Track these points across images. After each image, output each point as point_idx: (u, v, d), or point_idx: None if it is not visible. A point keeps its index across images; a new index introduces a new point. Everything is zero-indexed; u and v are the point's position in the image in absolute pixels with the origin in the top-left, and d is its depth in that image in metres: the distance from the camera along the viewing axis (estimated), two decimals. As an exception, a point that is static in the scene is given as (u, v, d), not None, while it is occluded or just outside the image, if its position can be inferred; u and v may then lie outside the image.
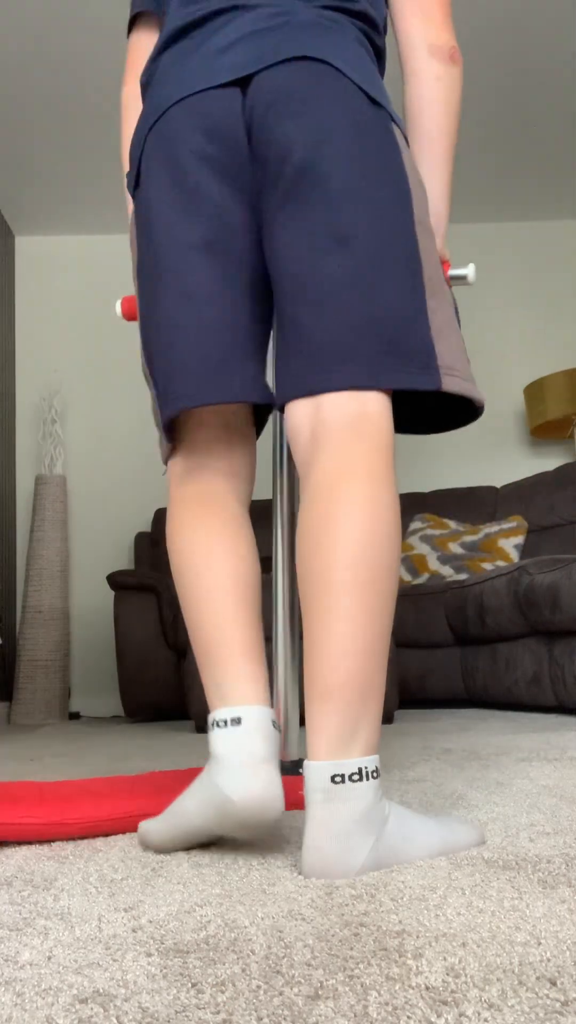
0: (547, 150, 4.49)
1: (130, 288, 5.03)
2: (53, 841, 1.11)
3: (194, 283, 1.09)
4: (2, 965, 0.66)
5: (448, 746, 2.04)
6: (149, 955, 0.67)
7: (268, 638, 2.93)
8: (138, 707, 3.84)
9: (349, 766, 0.87)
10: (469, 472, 4.92)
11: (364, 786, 0.87)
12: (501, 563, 3.98)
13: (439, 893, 0.80)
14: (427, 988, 0.57)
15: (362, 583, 0.93)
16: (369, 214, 1.03)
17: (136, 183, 1.16)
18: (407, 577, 4.07)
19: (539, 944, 0.65)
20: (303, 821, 0.90)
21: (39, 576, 4.50)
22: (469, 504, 4.46)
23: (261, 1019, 0.54)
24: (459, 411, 1.12)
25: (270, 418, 1.75)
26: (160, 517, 4.55)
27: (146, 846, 1.03)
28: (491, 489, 4.54)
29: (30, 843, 1.11)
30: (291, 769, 1.41)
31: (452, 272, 1.38)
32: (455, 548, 4.12)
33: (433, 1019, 0.53)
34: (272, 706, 1.13)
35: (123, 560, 4.80)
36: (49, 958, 0.67)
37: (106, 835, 1.12)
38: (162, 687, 3.78)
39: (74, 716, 4.56)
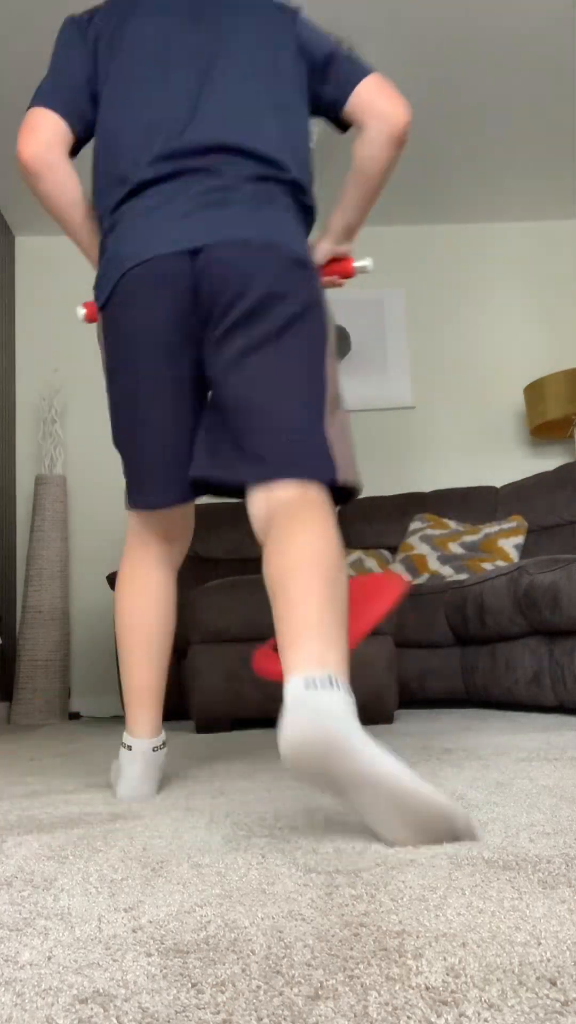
0: (548, 150, 4.49)
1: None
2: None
3: (155, 414, 1.43)
4: (2, 965, 0.66)
5: (448, 746, 2.04)
6: (149, 955, 0.67)
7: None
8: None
9: (320, 674, 1.05)
10: (469, 472, 4.93)
11: (334, 692, 1.02)
12: (501, 563, 3.98)
13: (439, 893, 0.80)
14: (427, 988, 0.57)
15: (323, 568, 1.19)
16: (298, 359, 1.35)
17: (106, 304, 1.44)
18: (407, 577, 4.07)
19: (539, 944, 0.65)
20: (299, 820, 0.90)
21: (39, 576, 4.50)
22: (469, 504, 4.46)
23: (261, 1019, 0.54)
24: (344, 492, 1.41)
25: None
26: (160, 517, 4.54)
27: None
28: (491, 489, 4.54)
29: (31, 842, 1.11)
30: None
31: (356, 264, 1.69)
32: (455, 548, 4.12)
33: (433, 1019, 0.53)
34: (158, 734, 1.53)
35: (123, 560, 4.80)
36: (49, 958, 0.67)
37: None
38: (162, 687, 3.78)
39: (74, 716, 4.56)
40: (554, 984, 0.57)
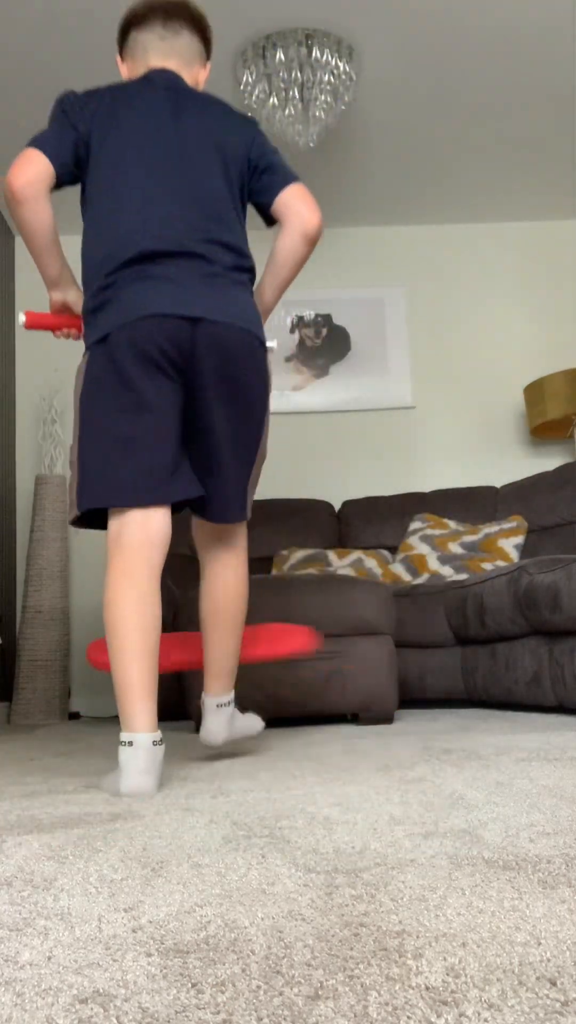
0: (547, 150, 4.49)
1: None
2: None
3: (154, 432, 1.70)
4: (2, 965, 0.66)
5: (448, 746, 2.04)
6: (149, 955, 0.67)
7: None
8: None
9: (224, 700, 1.99)
10: (469, 472, 4.93)
11: (228, 707, 1.99)
12: (501, 563, 3.98)
13: (439, 893, 0.80)
14: (427, 988, 0.57)
15: (243, 612, 1.97)
16: (261, 432, 1.86)
17: (105, 338, 1.71)
18: (407, 577, 4.07)
19: (539, 944, 0.65)
20: (299, 820, 0.90)
21: (39, 576, 4.50)
22: (469, 504, 4.46)
23: (261, 1019, 0.54)
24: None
25: None
26: (160, 517, 4.54)
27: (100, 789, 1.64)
28: (491, 489, 4.54)
29: (31, 842, 1.11)
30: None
31: (267, 344, 1.97)
32: (455, 548, 4.12)
33: (433, 1019, 0.53)
34: (156, 729, 1.62)
35: (123, 560, 4.80)
36: (49, 958, 0.67)
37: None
38: (161, 687, 3.78)
39: (74, 716, 4.56)
40: (554, 984, 0.57)
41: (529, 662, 3.00)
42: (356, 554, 4.26)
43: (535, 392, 4.60)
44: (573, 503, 4.09)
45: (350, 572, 4.13)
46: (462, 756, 1.83)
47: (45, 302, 5.04)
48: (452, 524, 4.29)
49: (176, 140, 1.82)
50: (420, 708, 3.72)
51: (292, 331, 5.06)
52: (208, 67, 2.03)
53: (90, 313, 1.78)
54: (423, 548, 4.16)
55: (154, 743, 1.58)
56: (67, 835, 1.15)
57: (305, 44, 3.56)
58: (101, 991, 0.60)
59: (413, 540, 4.24)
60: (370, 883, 0.84)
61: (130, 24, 1.96)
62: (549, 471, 4.33)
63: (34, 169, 1.71)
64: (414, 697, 3.68)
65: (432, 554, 4.11)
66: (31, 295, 5.07)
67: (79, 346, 5.00)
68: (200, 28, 1.98)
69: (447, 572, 4.01)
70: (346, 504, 4.65)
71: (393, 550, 4.43)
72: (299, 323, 5.07)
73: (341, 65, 3.61)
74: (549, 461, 4.92)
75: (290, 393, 4.98)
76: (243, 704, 2.88)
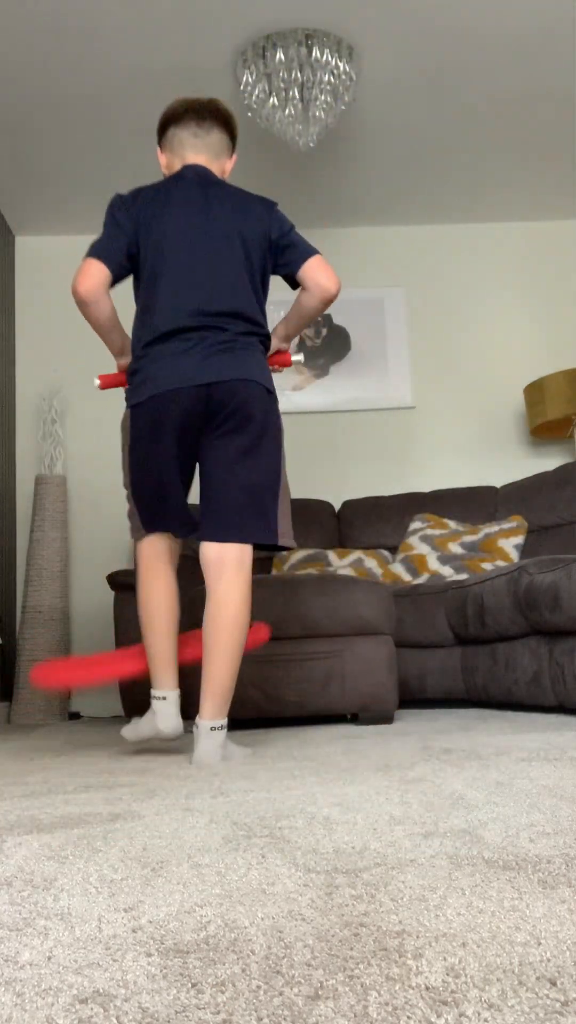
0: (547, 150, 4.49)
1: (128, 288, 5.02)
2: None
3: (167, 481, 2.17)
4: (2, 965, 0.66)
5: (448, 746, 2.04)
6: (149, 955, 0.67)
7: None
8: (138, 707, 3.84)
9: (217, 724, 2.06)
10: (469, 472, 4.93)
11: (221, 732, 2.06)
12: (501, 563, 3.98)
13: (439, 893, 0.80)
14: (427, 988, 0.57)
15: (236, 638, 2.10)
16: (265, 460, 2.15)
17: (138, 405, 2.15)
18: (407, 577, 4.07)
19: (539, 944, 0.65)
20: (299, 820, 0.89)
21: (39, 576, 4.50)
22: (469, 504, 4.46)
23: (261, 1019, 0.54)
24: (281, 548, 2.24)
25: None
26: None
27: (126, 739, 2.29)
28: (491, 489, 4.54)
29: (31, 842, 1.11)
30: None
31: (292, 357, 2.41)
32: (455, 548, 4.12)
33: (433, 1019, 0.53)
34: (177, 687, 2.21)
35: (123, 560, 4.81)
36: (49, 958, 0.67)
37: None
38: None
39: (74, 716, 4.56)
40: (554, 984, 0.57)
41: (529, 662, 3.00)
42: (356, 554, 4.26)
43: (535, 392, 4.60)
44: (573, 503, 4.09)
45: (350, 572, 4.13)
46: (462, 756, 1.83)
47: (45, 302, 5.05)
48: (452, 524, 4.29)
49: (205, 231, 2.18)
50: (420, 708, 3.72)
51: (292, 331, 5.06)
52: (234, 158, 2.38)
53: (130, 375, 2.20)
54: (423, 548, 4.16)
55: (178, 698, 2.20)
56: (67, 835, 1.15)
57: (305, 44, 3.56)
58: (101, 991, 0.60)
59: (413, 540, 4.23)
60: (370, 883, 0.84)
61: (169, 121, 2.31)
62: (549, 471, 4.33)
63: (94, 278, 2.13)
64: (414, 697, 3.68)
65: (432, 554, 4.11)
66: (31, 295, 5.07)
67: (79, 347, 5.01)
68: (228, 126, 2.33)
69: (447, 572, 4.01)
70: (346, 504, 4.65)
71: (393, 550, 4.43)
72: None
73: (341, 65, 3.61)
74: (549, 461, 4.92)
75: (290, 393, 4.98)
76: (243, 704, 2.88)
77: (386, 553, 4.33)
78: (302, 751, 2.12)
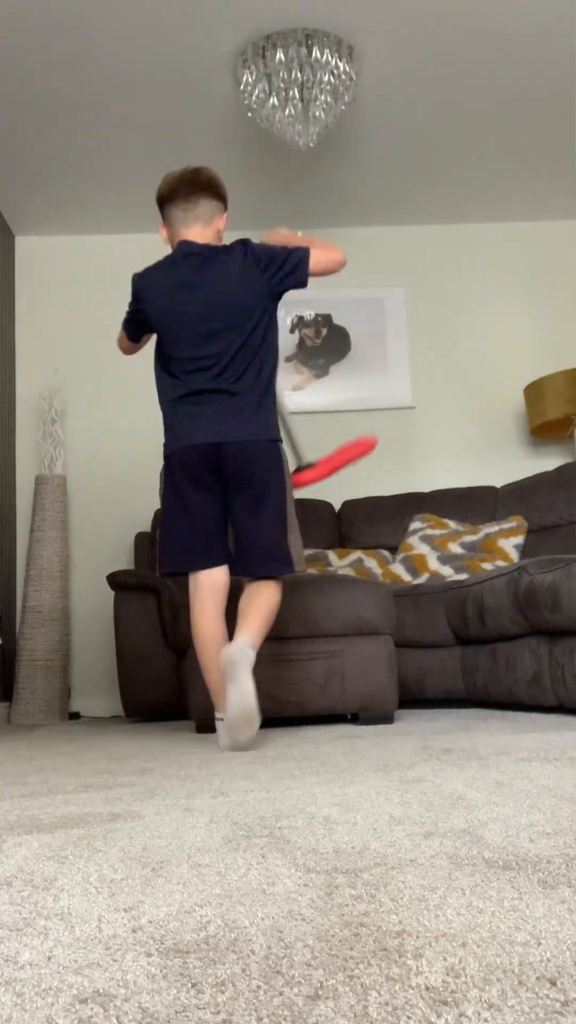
0: (547, 150, 4.49)
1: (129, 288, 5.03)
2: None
3: (196, 520, 2.52)
4: (2, 965, 0.66)
5: (448, 746, 2.04)
6: (149, 955, 0.67)
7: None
8: (138, 707, 3.84)
9: (250, 643, 2.31)
10: (469, 472, 4.93)
11: (252, 651, 2.30)
12: (501, 563, 3.98)
13: (439, 893, 0.80)
14: (427, 988, 0.57)
15: (271, 604, 2.47)
16: (271, 511, 2.49)
17: (169, 456, 2.54)
18: (407, 577, 4.07)
19: (539, 944, 0.65)
20: (299, 820, 0.89)
21: (39, 576, 4.50)
22: (469, 504, 4.46)
23: (261, 1019, 0.54)
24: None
25: None
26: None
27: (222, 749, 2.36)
28: (491, 489, 4.54)
29: (31, 842, 1.11)
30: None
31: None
32: (455, 548, 4.12)
33: (433, 1019, 0.53)
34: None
35: (123, 560, 4.81)
36: (49, 958, 0.67)
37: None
38: (162, 687, 3.78)
39: (74, 716, 4.56)
40: (554, 984, 0.57)
41: (529, 662, 3.00)
42: (356, 554, 4.26)
43: (535, 392, 4.60)
44: (573, 503, 4.09)
45: (350, 572, 4.13)
46: (462, 756, 1.83)
47: (46, 302, 5.05)
48: (452, 524, 4.28)
49: (202, 307, 2.48)
50: (420, 708, 3.72)
51: (292, 331, 5.06)
52: (226, 215, 2.62)
53: (165, 426, 2.57)
54: (423, 548, 4.16)
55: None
56: (67, 835, 1.15)
57: (305, 44, 3.56)
58: (101, 991, 0.60)
59: (413, 540, 4.23)
60: (370, 883, 0.84)
61: (162, 201, 2.59)
62: (549, 471, 4.33)
63: (122, 344, 2.78)
64: (414, 697, 3.68)
65: (432, 554, 4.11)
66: (31, 295, 5.07)
67: (79, 347, 5.02)
68: (215, 191, 2.58)
69: (447, 572, 4.01)
70: (346, 504, 4.65)
71: (393, 550, 4.42)
72: (299, 323, 5.07)
73: (341, 65, 3.61)
74: (549, 461, 4.92)
75: (290, 393, 4.98)
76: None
77: (386, 553, 4.33)
78: (302, 751, 2.12)
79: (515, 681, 3.09)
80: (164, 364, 2.56)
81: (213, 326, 2.47)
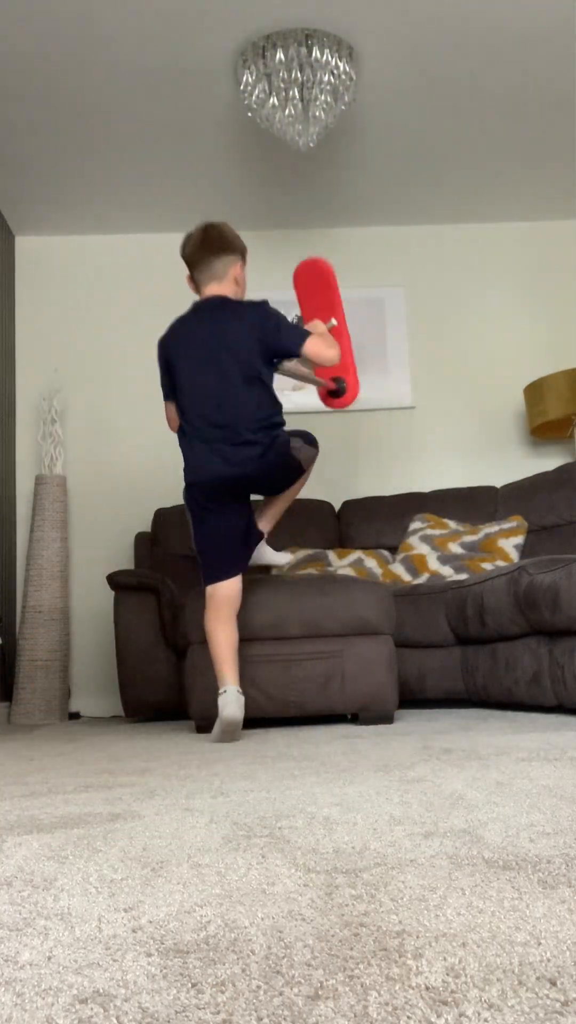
0: (547, 150, 4.49)
1: (129, 288, 5.03)
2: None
3: (220, 540, 2.81)
4: (2, 965, 0.66)
5: (448, 746, 2.04)
6: (149, 955, 0.67)
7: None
8: (138, 707, 3.84)
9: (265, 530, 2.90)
10: (469, 472, 4.93)
11: (242, 696, 2.65)
12: (501, 563, 3.98)
13: (439, 893, 0.80)
14: (427, 988, 0.57)
15: (290, 495, 2.95)
16: (290, 476, 2.87)
17: (190, 484, 2.80)
18: (407, 577, 4.07)
19: (539, 944, 0.65)
20: (299, 820, 0.89)
21: (39, 576, 4.50)
22: (469, 504, 4.46)
23: (261, 1019, 0.54)
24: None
25: None
26: (160, 517, 4.54)
27: (211, 743, 2.56)
28: (491, 489, 4.54)
29: (31, 842, 1.11)
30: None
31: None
32: (455, 548, 4.12)
33: (433, 1019, 0.53)
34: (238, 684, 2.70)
35: (123, 560, 4.81)
36: (49, 958, 0.67)
37: None
38: (162, 687, 3.78)
39: (74, 716, 4.56)
40: (554, 984, 0.57)
41: (529, 662, 3.00)
42: (356, 554, 4.26)
43: (535, 392, 4.60)
44: (573, 503, 4.09)
45: (350, 572, 4.13)
46: (462, 756, 1.83)
47: (46, 302, 5.05)
48: (452, 524, 4.28)
49: (213, 351, 2.75)
50: (420, 708, 3.72)
51: (292, 331, 5.06)
52: (244, 263, 2.90)
53: (183, 451, 2.84)
54: (423, 548, 4.16)
55: (238, 692, 2.61)
56: (67, 835, 1.15)
57: (305, 44, 3.56)
58: (101, 991, 0.60)
59: (413, 540, 4.23)
60: (370, 883, 0.84)
61: (187, 263, 2.89)
62: (549, 471, 4.33)
63: (169, 413, 2.92)
64: (414, 697, 3.68)
65: (432, 554, 4.11)
66: (31, 295, 5.07)
67: (79, 348, 5.02)
68: (230, 247, 2.85)
69: (447, 572, 4.01)
70: (346, 504, 4.64)
71: (393, 550, 4.42)
72: (299, 323, 5.07)
73: (341, 65, 3.61)
74: (549, 461, 4.92)
75: (290, 393, 4.97)
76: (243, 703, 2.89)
77: (386, 553, 4.33)
78: (302, 751, 2.12)
79: (515, 681, 3.09)
80: (181, 403, 2.83)
81: (222, 375, 2.75)
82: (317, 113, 3.67)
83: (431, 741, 2.19)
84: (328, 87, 3.63)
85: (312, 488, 4.87)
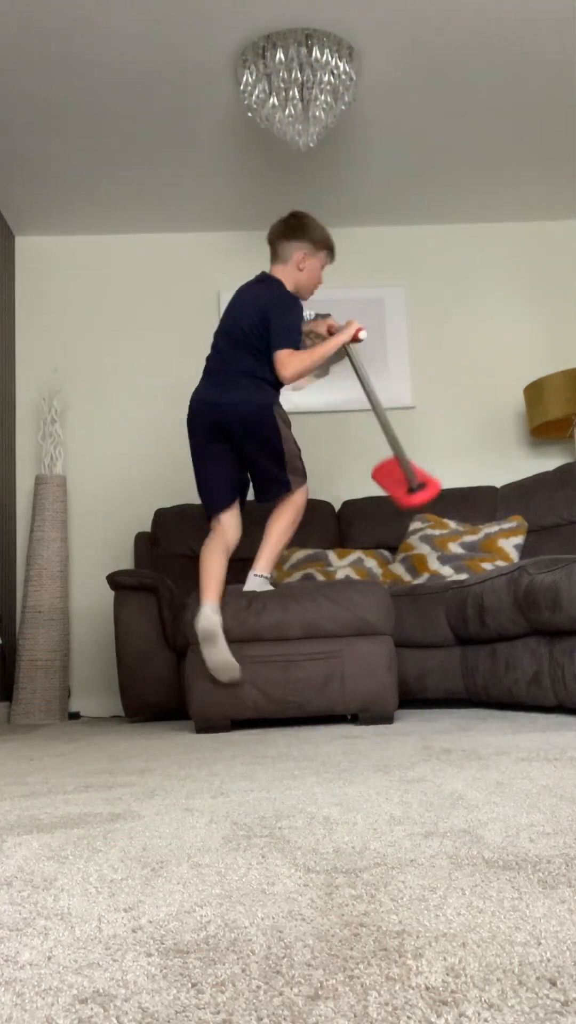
0: (547, 150, 4.49)
1: (129, 288, 5.02)
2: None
3: (213, 470, 3.19)
4: (2, 965, 0.66)
5: (448, 746, 2.04)
6: (149, 955, 0.67)
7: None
8: (138, 707, 3.84)
9: (262, 575, 3.11)
10: (469, 472, 4.92)
11: (262, 579, 3.10)
12: (501, 563, 3.98)
13: (439, 893, 0.80)
14: (427, 988, 0.57)
15: (289, 520, 3.18)
16: (270, 452, 3.13)
17: (189, 425, 3.21)
18: (407, 577, 4.07)
19: (539, 944, 0.65)
20: (299, 820, 0.89)
21: (39, 576, 4.50)
22: (469, 504, 4.46)
23: (261, 1019, 0.54)
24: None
25: None
26: (160, 517, 4.54)
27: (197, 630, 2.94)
28: (491, 489, 4.54)
29: (31, 842, 1.11)
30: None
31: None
32: (455, 548, 4.12)
33: (433, 1019, 0.53)
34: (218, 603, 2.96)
35: (123, 560, 4.80)
36: (49, 958, 0.67)
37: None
38: (162, 687, 3.78)
39: (74, 716, 4.56)
40: (554, 984, 0.57)
41: (529, 662, 3.00)
42: (356, 554, 4.26)
43: (535, 392, 4.60)
44: (573, 503, 4.09)
45: (350, 572, 4.13)
46: (462, 756, 1.83)
47: (46, 302, 5.05)
48: (452, 524, 4.28)
49: (236, 311, 3.22)
50: (420, 708, 3.72)
51: (292, 331, 5.06)
52: (315, 254, 3.28)
53: None
54: (423, 548, 4.16)
55: (213, 609, 2.90)
56: (67, 835, 1.15)
57: (305, 44, 3.56)
58: (101, 991, 0.60)
59: (413, 540, 4.23)
60: (370, 883, 0.84)
61: (267, 242, 3.35)
62: (549, 471, 4.33)
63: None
64: (414, 697, 3.68)
65: (432, 554, 4.11)
66: (31, 295, 5.07)
67: (79, 347, 5.02)
68: (293, 236, 3.26)
69: (447, 572, 4.01)
70: (346, 504, 4.64)
71: (393, 550, 4.42)
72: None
73: (341, 65, 3.61)
74: (549, 461, 4.91)
75: (290, 393, 4.97)
76: (243, 704, 2.88)
77: (386, 553, 4.33)
78: (302, 751, 2.12)
79: (515, 681, 3.08)
80: (213, 352, 3.27)
81: (238, 329, 3.17)
82: (317, 113, 3.67)
83: (431, 741, 2.19)
84: (328, 87, 3.62)
85: (312, 488, 4.86)
